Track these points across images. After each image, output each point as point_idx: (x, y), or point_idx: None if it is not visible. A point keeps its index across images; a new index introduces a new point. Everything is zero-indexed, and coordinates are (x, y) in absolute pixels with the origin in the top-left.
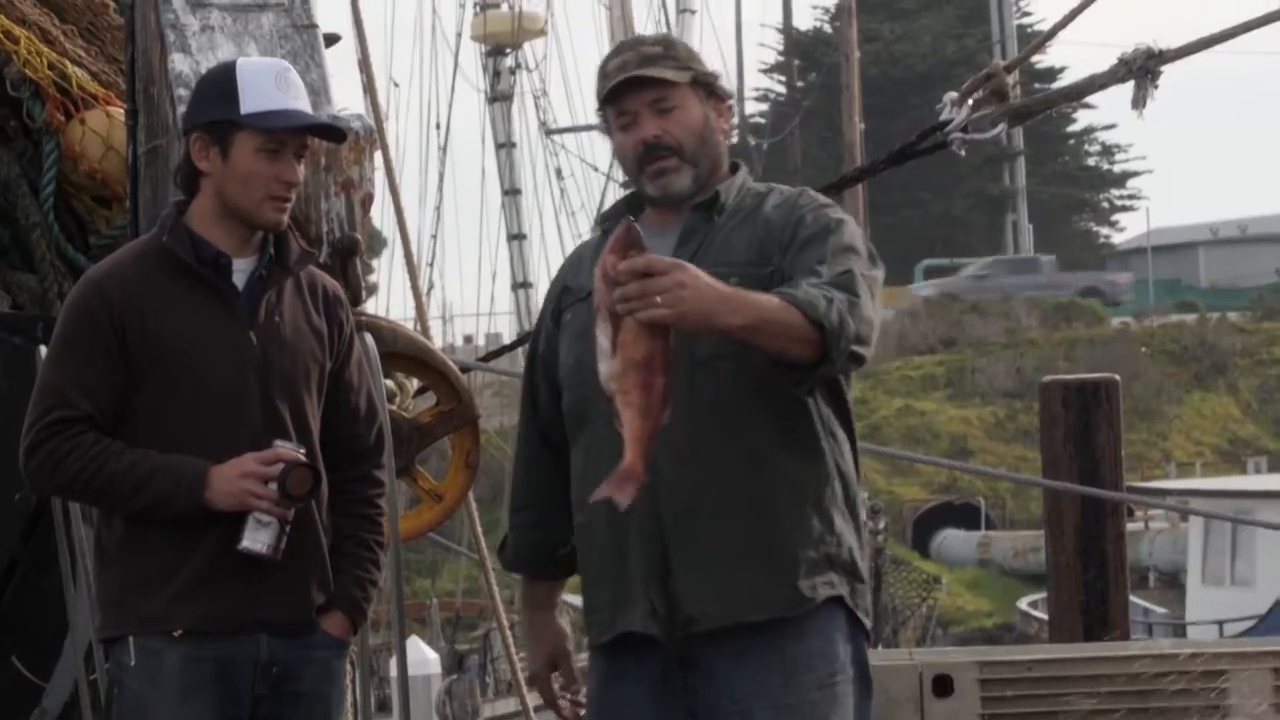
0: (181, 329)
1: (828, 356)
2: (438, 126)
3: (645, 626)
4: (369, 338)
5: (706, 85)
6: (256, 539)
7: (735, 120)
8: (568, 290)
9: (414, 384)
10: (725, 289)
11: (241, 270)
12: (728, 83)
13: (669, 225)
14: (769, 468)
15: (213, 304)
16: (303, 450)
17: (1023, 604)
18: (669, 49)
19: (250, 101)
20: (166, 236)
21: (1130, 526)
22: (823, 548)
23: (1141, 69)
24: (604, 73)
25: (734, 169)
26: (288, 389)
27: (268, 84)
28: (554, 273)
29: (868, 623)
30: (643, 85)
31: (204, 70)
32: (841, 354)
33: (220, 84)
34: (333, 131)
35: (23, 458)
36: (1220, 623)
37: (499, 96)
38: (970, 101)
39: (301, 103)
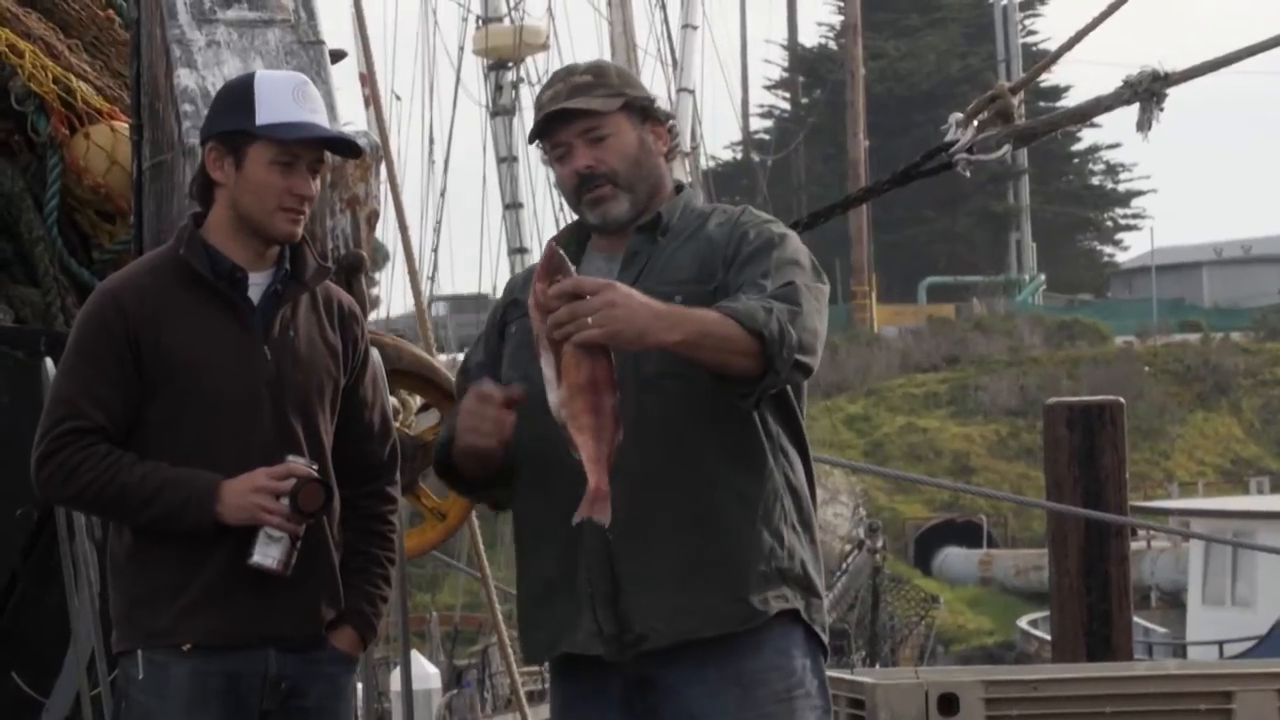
0: (196, 342)
1: (771, 367)
2: (431, 141)
3: (588, 647)
4: (376, 354)
5: (641, 109)
6: (267, 554)
7: (678, 140)
8: (516, 304)
9: (417, 401)
10: (660, 305)
11: (257, 284)
12: (665, 104)
13: (616, 249)
14: (716, 484)
15: (228, 318)
16: (315, 466)
17: (1023, 622)
18: (600, 76)
19: (266, 113)
20: (183, 249)
21: (1132, 546)
22: (774, 562)
23: (1147, 91)
24: (538, 105)
25: (678, 189)
26: (301, 404)
27: (285, 96)
28: None
29: (825, 638)
30: (573, 117)
31: (210, 86)
32: (785, 363)
33: (237, 95)
34: (347, 145)
35: (34, 467)
36: (1220, 643)
37: (500, 110)
38: (975, 123)
39: (319, 117)
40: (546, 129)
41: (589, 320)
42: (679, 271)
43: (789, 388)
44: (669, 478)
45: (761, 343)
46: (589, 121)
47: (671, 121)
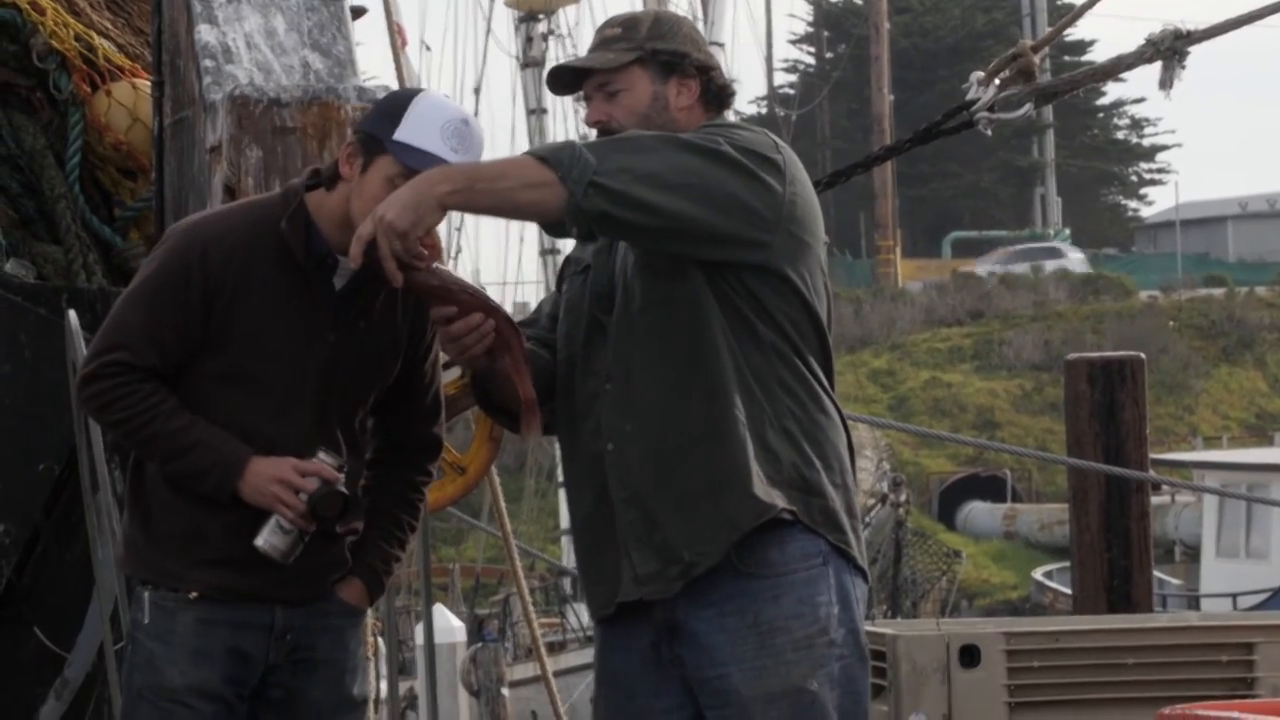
0: (266, 316)
1: (569, 189)
2: (476, 91)
3: (628, 594)
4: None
5: (664, 63)
6: (272, 542)
7: (726, 86)
8: (568, 260)
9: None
10: (426, 173)
11: (346, 269)
12: (702, 55)
13: None
14: (718, 395)
15: (304, 300)
16: (345, 467)
17: (1038, 574)
18: (629, 29)
19: (408, 132)
20: (285, 222)
21: (1156, 500)
22: (764, 467)
23: (1169, 50)
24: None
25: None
26: (346, 398)
27: (433, 125)
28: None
29: (841, 541)
30: (587, 72)
31: (230, 41)
32: (578, 185)
33: (396, 103)
34: None
35: (79, 383)
36: (1234, 595)
37: (531, 62)
38: (996, 81)
39: (462, 156)
40: (570, 81)
41: (376, 241)
42: None
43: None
44: (671, 402)
45: (547, 166)
46: (602, 77)
47: (713, 72)
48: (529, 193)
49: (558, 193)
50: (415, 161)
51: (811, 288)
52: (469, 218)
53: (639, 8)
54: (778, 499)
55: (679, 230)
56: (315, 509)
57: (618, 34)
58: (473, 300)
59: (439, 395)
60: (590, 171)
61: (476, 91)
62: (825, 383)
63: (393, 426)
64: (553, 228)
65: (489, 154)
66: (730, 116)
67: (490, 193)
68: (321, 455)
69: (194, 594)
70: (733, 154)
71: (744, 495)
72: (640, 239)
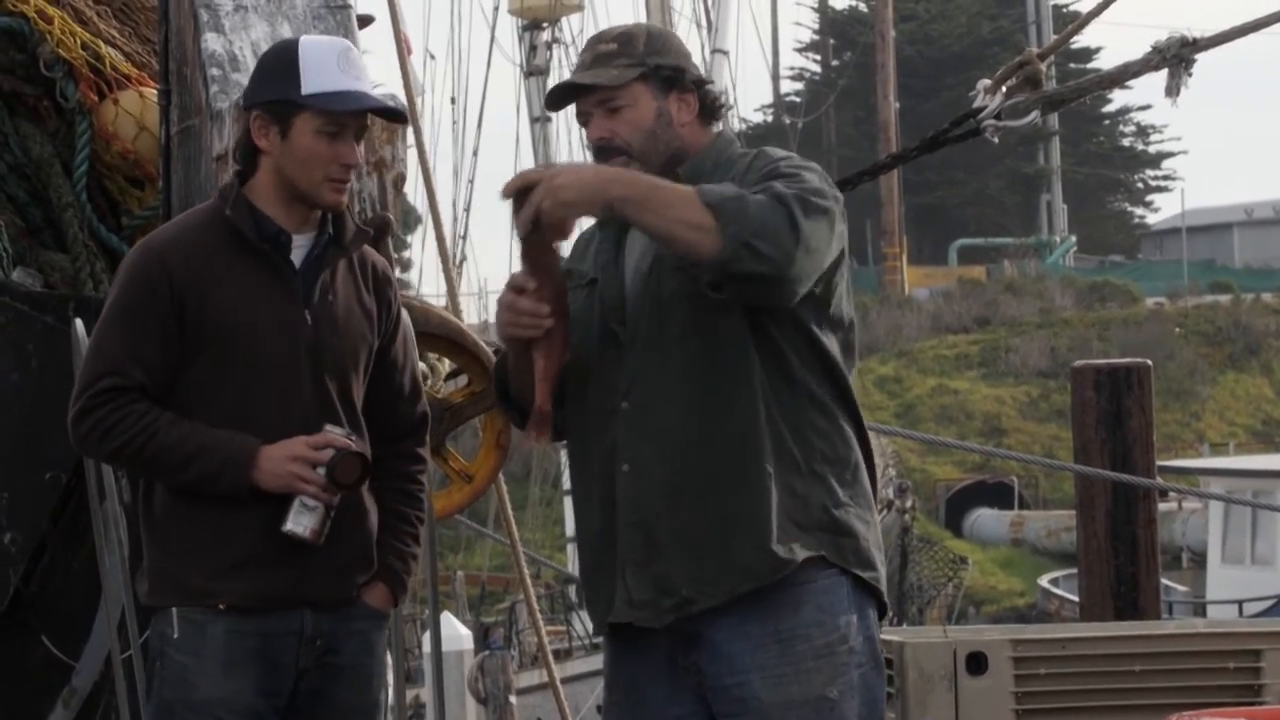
0: (239, 305)
1: (722, 242)
2: (453, 101)
3: (619, 615)
4: (406, 315)
5: (665, 78)
6: (300, 522)
7: (721, 99)
8: (569, 274)
9: (446, 365)
10: (611, 169)
11: (300, 247)
12: (695, 69)
13: None
14: (748, 442)
15: (271, 281)
16: (353, 437)
17: (1044, 581)
18: (626, 45)
19: (312, 82)
20: (229, 209)
21: (1163, 507)
22: (790, 511)
23: (1175, 57)
24: (578, 66)
25: (720, 135)
26: (338, 369)
27: (330, 63)
28: None
29: (873, 579)
30: (589, 89)
31: (237, 50)
32: (733, 240)
33: (282, 62)
34: (394, 113)
35: (71, 422)
36: (1240, 602)
37: (535, 71)
38: (1003, 89)
39: (362, 83)
40: (567, 97)
41: (544, 205)
42: None
43: (821, 331)
44: (696, 438)
45: (714, 215)
46: (604, 93)
47: (708, 86)
48: (687, 230)
49: (713, 241)
50: (339, 104)
51: (846, 305)
52: (473, 225)
53: (641, 18)
54: (798, 551)
55: (791, 290)
56: (334, 476)
57: (614, 50)
58: (554, 295)
59: (415, 376)
60: (748, 232)
61: (453, 101)
62: (853, 404)
63: (376, 418)
64: (688, 264)
65: (491, 156)
66: (735, 126)
67: (656, 213)
68: (329, 429)
69: (223, 605)
70: (835, 210)
71: (759, 548)
72: (756, 296)
